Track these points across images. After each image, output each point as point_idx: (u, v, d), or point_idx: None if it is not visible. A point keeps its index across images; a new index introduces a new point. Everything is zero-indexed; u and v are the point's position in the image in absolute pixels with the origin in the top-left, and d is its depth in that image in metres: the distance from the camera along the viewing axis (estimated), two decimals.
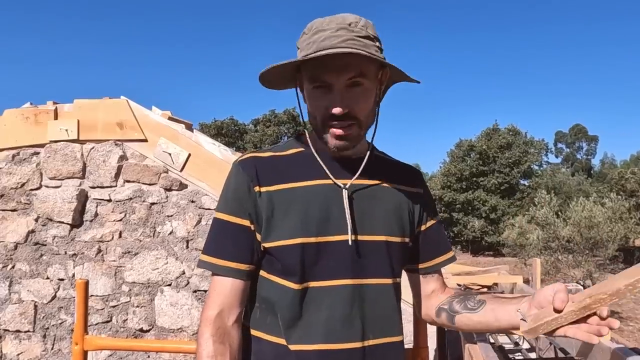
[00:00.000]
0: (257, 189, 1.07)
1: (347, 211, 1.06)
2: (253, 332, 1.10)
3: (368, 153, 1.12)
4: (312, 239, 1.05)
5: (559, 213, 13.31)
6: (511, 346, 4.60)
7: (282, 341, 1.05)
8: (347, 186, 1.08)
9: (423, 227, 1.18)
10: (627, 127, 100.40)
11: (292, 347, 1.05)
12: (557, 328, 0.93)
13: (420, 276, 1.21)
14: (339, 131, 1.04)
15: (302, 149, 1.14)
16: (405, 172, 1.21)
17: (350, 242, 1.05)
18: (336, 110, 1.01)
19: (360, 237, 1.07)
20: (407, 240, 1.15)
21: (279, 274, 1.07)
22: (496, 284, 6.07)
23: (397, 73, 1.11)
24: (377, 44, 1.06)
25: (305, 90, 1.09)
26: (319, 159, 1.09)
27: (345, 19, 1.04)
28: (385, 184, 1.14)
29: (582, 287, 5.70)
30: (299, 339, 1.04)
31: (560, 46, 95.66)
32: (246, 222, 1.07)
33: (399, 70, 1.08)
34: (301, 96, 1.14)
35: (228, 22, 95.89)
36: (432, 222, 1.21)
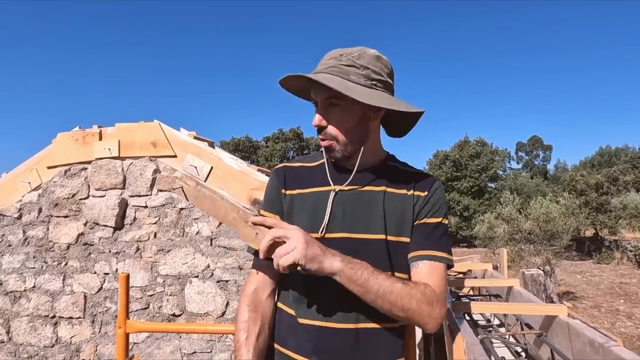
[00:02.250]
0: (283, 191, 1.13)
1: (328, 210, 1.06)
2: (279, 304, 1.14)
3: (357, 162, 1.09)
4: (316, 235, 1.04)
5: (521, 210, 13.28)
6: (484, 322, 4.57)
7: (293, 312, 1.09)
8: (336, 191, 1.08)
9: (417, 222, 1.09)
10: (576, 138, 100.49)
11: (300, 320, 1.07)
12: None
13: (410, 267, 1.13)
14: (323, 143, 1.08)
15: (322, 161, 1.16)
16: (416, 179, 1.13)
17: (351, 239, 1.05)
18: (314, 121, 1.06)
19: (361, 236, 1.06)
20: (405, 239, 1.08)
21: None
22: (470, 270, 6.05)
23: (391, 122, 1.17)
24: (363, 72, 1.04)
25: None
26: (327, 168, 1.13)
27: (343, 50, 1.06)
28: (393, 190, 1.10)
29: (542, 272, 5.67)
30: (303, 314, 1.07)
31: (520, 70, 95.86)
32: (277, 217, 1.12)
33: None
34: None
35: (244, 58, 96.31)
36: (427, 220, 1.09)
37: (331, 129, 1.05)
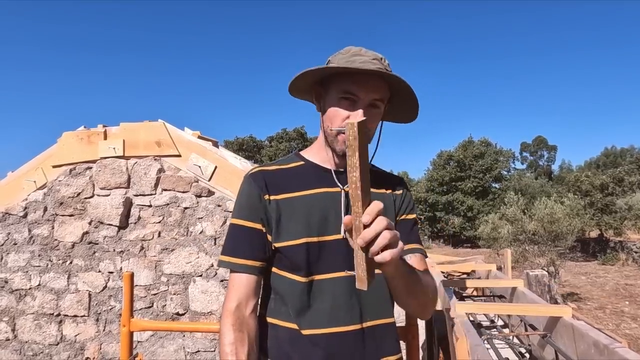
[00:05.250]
0: (266, 197, 1.06)
1: (342, 211, 1.06)
2: (269, 319, 1.09)
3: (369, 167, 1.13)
4: (315, 239, 1.04)
5: (525, 211, 13.23)
6: (487, 323, 4.55)
7: (295, 326, 1.04)
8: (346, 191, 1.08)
9: (398, 219, 1.16)
10: (581, 138, 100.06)
11: (304, 332, 1.03)
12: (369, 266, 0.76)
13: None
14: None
15: (302, 163, 1.14)
16: (391, 180, 1.20)
17: (343, 239, 1.04)
18: (357, 118, 1.01)
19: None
20: None
21: (288, 270, 1.06)
22: (474, 271, 6.03)
23: (390, 112, 1.15)
24: None
25: (329, 99, 1.06)
26: (332, 170, 1.11)
27: (376, 54, 1.06)
28: (375, 190, 1.12)
29: (546, 273, 5.64)
30: (309, 324, 1.03)
31: (524, 70, 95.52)
32: (258, 226, 1.06)
33: (397, 108, 1.12)
34: (318, 110, 1.13)
35: (247, 57, 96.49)
36: (407, 217, 1.17)
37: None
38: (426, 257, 1.18)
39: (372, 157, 1.15)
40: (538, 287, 5.20)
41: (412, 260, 1.12)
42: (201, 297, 3.38)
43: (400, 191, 1.19)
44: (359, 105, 1.02)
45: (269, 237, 1.06)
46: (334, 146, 1.08)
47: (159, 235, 3.50)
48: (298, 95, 1.17)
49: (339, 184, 1.08)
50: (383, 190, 1.15)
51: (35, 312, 3.56)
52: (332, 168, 1.12)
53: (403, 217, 1.17)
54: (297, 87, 1.12)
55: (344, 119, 1.02)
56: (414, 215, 1.18)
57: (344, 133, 1.03)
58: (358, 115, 1.00)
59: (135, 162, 3.57)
